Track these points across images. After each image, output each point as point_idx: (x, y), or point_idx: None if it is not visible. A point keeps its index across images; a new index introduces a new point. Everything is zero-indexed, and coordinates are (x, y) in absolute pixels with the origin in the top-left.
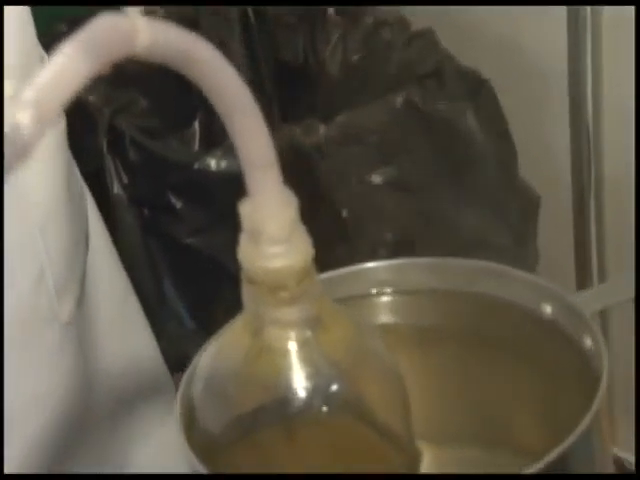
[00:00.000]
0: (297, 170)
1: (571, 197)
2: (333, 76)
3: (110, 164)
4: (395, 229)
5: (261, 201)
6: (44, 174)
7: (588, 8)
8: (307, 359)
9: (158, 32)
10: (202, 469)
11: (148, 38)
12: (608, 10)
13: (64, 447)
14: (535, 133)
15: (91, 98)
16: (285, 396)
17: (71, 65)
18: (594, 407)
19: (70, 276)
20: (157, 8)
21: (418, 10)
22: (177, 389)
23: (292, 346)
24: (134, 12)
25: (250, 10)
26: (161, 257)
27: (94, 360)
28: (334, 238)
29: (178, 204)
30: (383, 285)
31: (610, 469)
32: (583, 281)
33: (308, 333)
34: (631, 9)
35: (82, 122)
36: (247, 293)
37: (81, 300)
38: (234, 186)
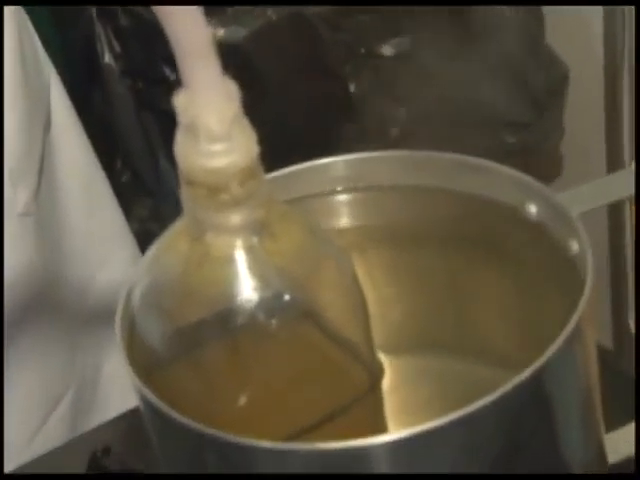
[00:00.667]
0: (301, 42)
1: (602, 71)
2: None
3: (100, 30)
4: (409, 106)
5: (198, 93)
6: None
7: None
8: (253, 268)
9: None
10: (144, 389)
11: None
12: None
13: (30, 339)
14: None
15: None
16: (229, 308)
17: None
18: (578, 311)
19: (26, 163)
20: None
21: None
22: None
23: (236, 254)
24: None
25: None
26: (156, 132)
27: (58, 248)
28: (340, 116)
29: (172, 76)
30: (347, 182)
31: (595, 379)
32: (614, 164)
33: (254, 239)
34: None
35: None
36: (186, 196)
37: (40, 189)
38: (233, 57)
